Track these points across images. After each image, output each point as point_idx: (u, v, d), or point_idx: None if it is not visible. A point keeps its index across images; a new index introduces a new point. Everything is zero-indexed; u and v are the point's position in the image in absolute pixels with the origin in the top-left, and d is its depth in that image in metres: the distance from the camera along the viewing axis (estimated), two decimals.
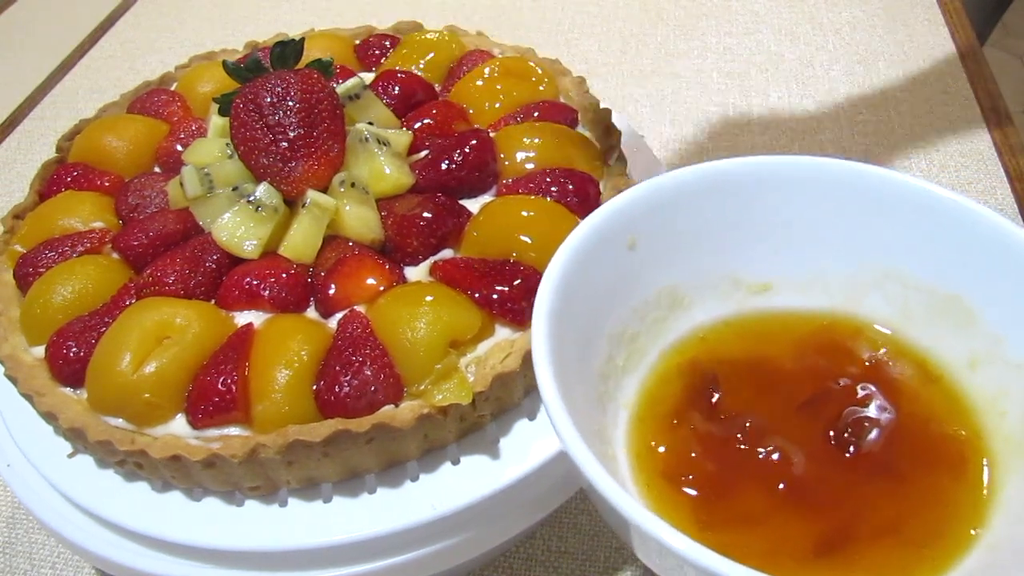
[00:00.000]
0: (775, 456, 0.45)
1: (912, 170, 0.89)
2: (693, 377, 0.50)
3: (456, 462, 0.53)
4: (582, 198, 0.61)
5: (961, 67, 1.00)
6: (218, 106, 0.62)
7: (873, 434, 0.46)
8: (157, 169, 0.69)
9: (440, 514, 0.50)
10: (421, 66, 0.75)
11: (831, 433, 0.46)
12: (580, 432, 0.38)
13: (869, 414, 0.47)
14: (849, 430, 0.46)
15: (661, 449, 0.46)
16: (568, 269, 0.46)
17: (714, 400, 0.48)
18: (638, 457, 0.46)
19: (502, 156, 0.64)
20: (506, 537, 0.55)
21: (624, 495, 0.36)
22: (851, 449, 0.45)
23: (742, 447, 0.45)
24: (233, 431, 0.51)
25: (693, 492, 0.44)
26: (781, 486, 0.44)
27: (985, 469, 0.44)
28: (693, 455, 0.46)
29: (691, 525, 0.43)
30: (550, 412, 0.40)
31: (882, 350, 0.50)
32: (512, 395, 0.54)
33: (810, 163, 0.50)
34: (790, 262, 0.52)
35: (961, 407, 0.47)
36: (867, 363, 0.50)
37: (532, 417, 0.55)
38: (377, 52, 0.79)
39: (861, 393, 0.48)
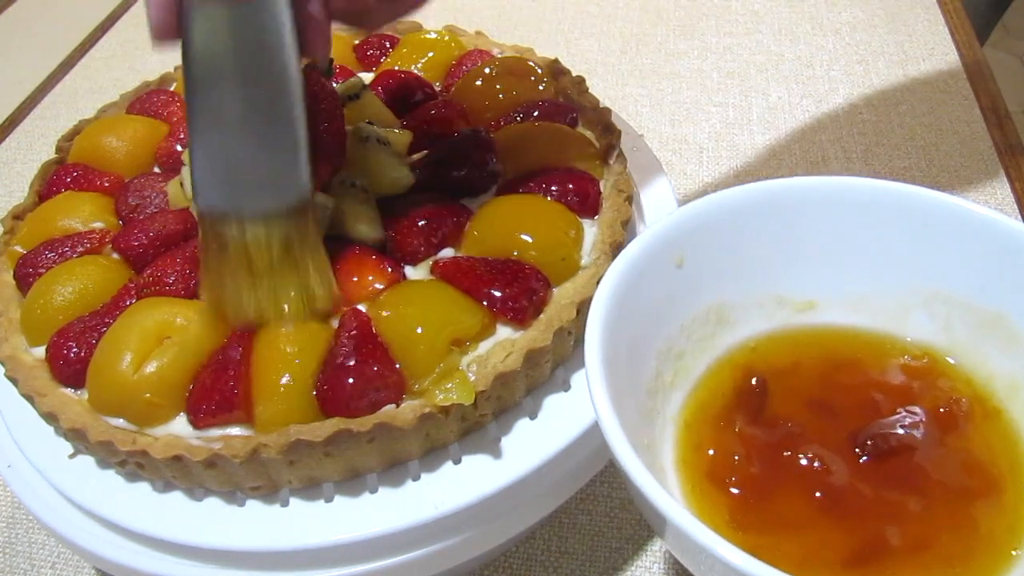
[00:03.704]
0: (816, 464, 0.45)
1: (912, 170, 0.89)
2: (743, 382, 0.50)
3: (457, 461, 0.53)
4: (582, 198, 0.61)
5: (961, 67, 1.00)
6: None
7: (910, 451, 0.46)
8: (157, 169, 0.69)
9: (442, 513, 0.50)
10: (421, 66, 0.75)
11: (869, 446, 0.46)
12: (631, 444, 0.39)
13: (909, 432, 0.47)
14: (887, 446, 0.46)
15: (710, 452, 0.47)
16: (619, 287, 0.46)
17: (762, 406, 0.48)
18: (684, 463, 0.47)
19: (502, 156, 0.64)
20: (506, 537, 0.55)
21: (667, 496, 0.37)
22: (887, 465, 0.45)
23: (785, 453, 0.46)
24: (234, 431, 0.51)
25: (736, 491, 0.45)
26: (818, 494, 0.44)
27: None
28: (737, 458, 0.46)
29: (726, 525, 0.43)
30: (604, 426, 0.40)
31: (925, 368, 0.50)
32: (513, 394, 0.54)
33: (855, 184, 0.51)
34: (835, 281, 0.53)
35: (1003, 430, 0.47)
36: (910, 381, 0.50)
37: (533, 416, 0.55)
38: (377, 52, 0.79)
39: (902, 411, 0.48)
